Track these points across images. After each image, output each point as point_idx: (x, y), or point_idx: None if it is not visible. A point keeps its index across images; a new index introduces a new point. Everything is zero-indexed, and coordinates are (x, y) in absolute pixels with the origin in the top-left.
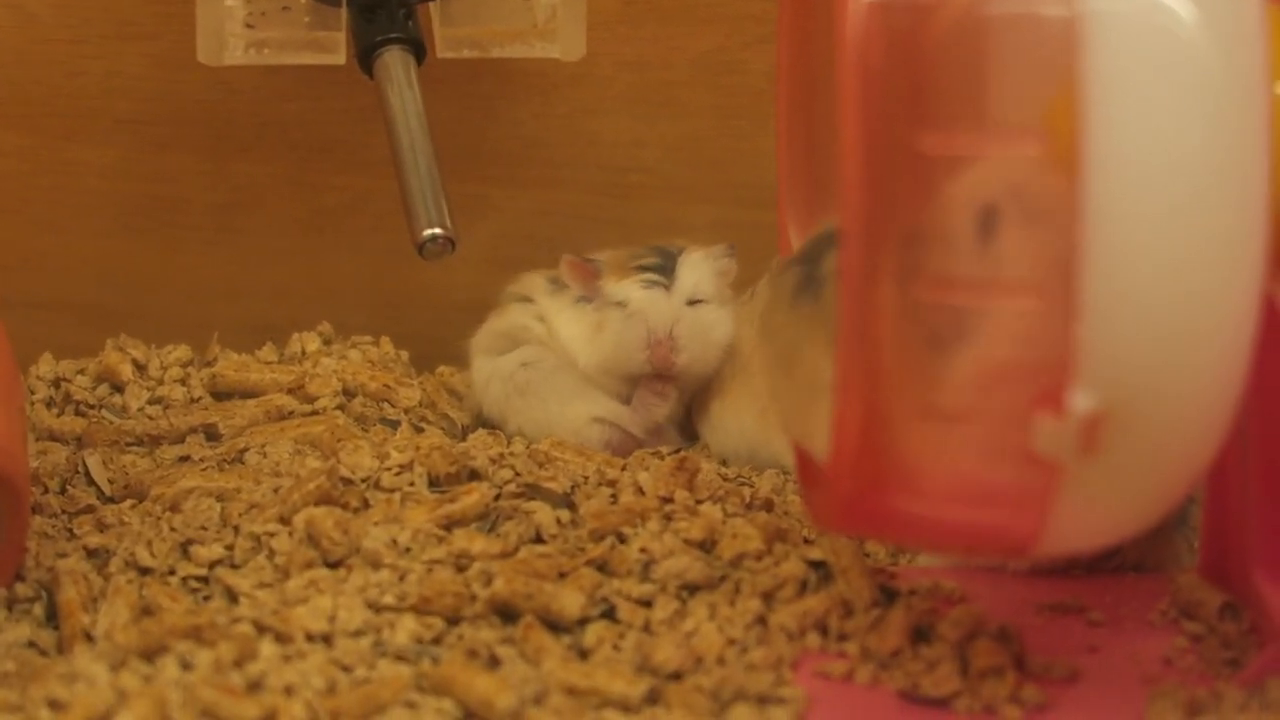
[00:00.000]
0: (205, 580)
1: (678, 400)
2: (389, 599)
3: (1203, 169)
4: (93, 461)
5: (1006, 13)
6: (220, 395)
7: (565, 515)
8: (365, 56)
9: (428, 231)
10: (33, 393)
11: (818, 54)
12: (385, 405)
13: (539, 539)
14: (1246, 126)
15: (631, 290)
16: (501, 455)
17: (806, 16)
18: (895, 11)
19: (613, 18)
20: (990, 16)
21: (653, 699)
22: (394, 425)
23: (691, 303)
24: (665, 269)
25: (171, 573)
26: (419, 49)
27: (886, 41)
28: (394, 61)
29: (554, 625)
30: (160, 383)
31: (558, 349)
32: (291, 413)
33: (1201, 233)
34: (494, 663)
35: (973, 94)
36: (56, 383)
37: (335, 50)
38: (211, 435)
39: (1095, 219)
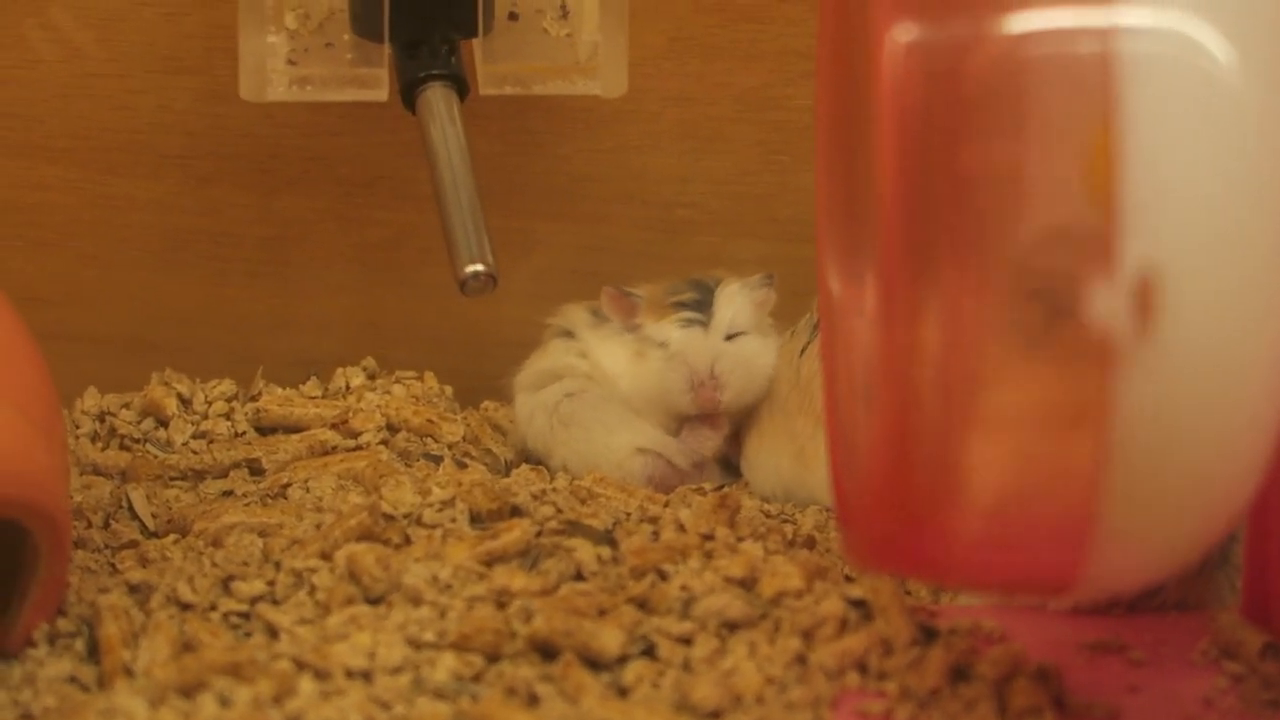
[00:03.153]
0: (246, 616)
1: (728, 432)
2: (429, 636)
3: (1240, 209)
4: (136, 496)
5: (1044, 54)
6: (264, 430)
7: (606, 552)
8: (408, 92)
9: (469, 268)
10: (77, 427)
11: (856, 92)
12: (429, 441)
13: (580, 576)
14: None
15: (670, 331)
16: (543, 491)
17: (844, 54)
18: (933, 52)
19: (657, 54)
20: (1028, 58)
21: None
22: (437, 461)
23: (730, 336)
24: (702, 304)
25: (213, 608)
26: (461, 85)
27: (924, 83)
28: (436, 98)
29: (593, 663)
30: (205, 417)
31: (602, 381)
32: (335, 448)
33: (1239, 273)
34: (533, 700)
35: (1010, 136)
36: (101, 417)
37: (378, 86)
38: (255, 470)
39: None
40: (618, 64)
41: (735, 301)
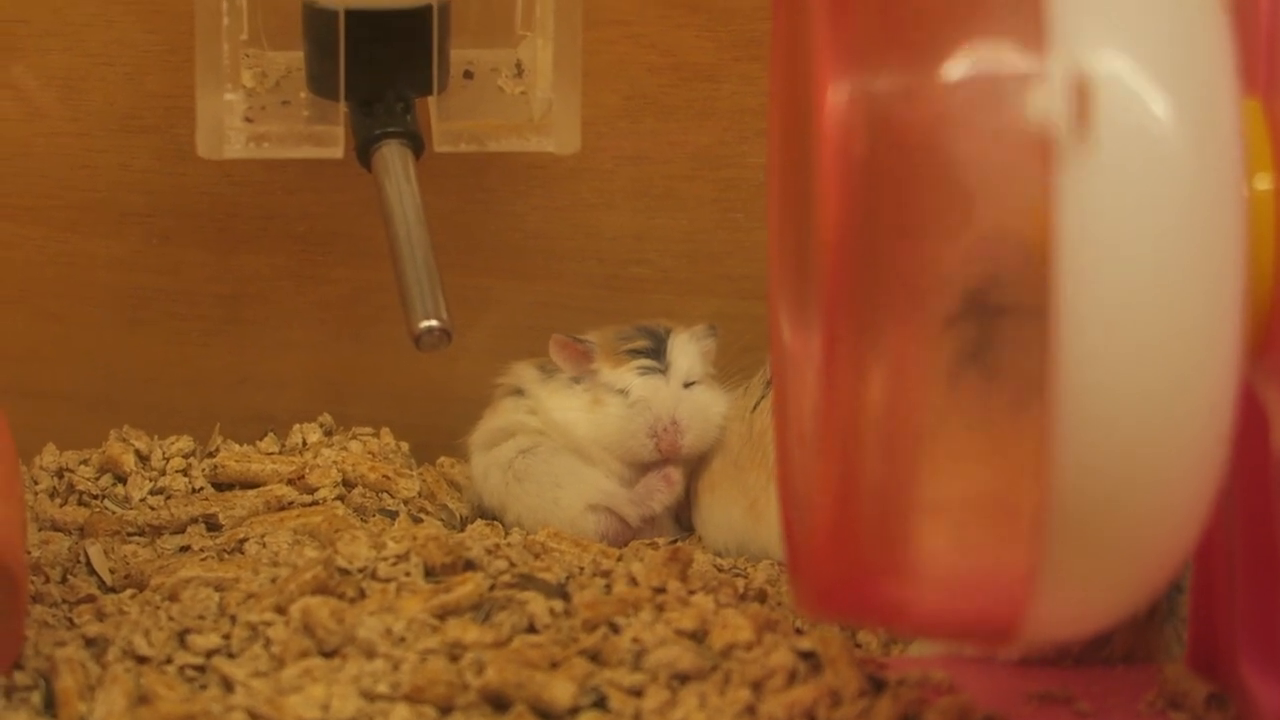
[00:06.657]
0: (201, 669)
1: (681, 490)
2: (382, 688)
3: (1176, 262)
4: (94, 551)
5: (985, 104)
6: (221, 486)
7: (559, 605)
8: (364, 150)
9: (424, 323)
10: (36, 483)
11: (804, 143)
12: (384, 496)
13: (532, 628)
14: (1221, 220)
15: (630, 379)
16: (497, 545)
17: (793, 105)
18: (875, 104)
19: (612, 113)
20: (969, 109)
21: None
22: (393, 516)
23: (686, 384)
24: (657, 352)
25: (168, 661)
26: (417, 143)
27: (867, 134)
28: (392, 155)
29: (545, 714)
30: (162, 473)
31: (554, 435)
32: (291, 503)
33: (1175, 324)
34: None
35: (952, 187)
36: (60, 473)
37: (334, 144)
38: (212, 525)
39: (1068, 311)
40: (571, 121)
41: (688, 351)
